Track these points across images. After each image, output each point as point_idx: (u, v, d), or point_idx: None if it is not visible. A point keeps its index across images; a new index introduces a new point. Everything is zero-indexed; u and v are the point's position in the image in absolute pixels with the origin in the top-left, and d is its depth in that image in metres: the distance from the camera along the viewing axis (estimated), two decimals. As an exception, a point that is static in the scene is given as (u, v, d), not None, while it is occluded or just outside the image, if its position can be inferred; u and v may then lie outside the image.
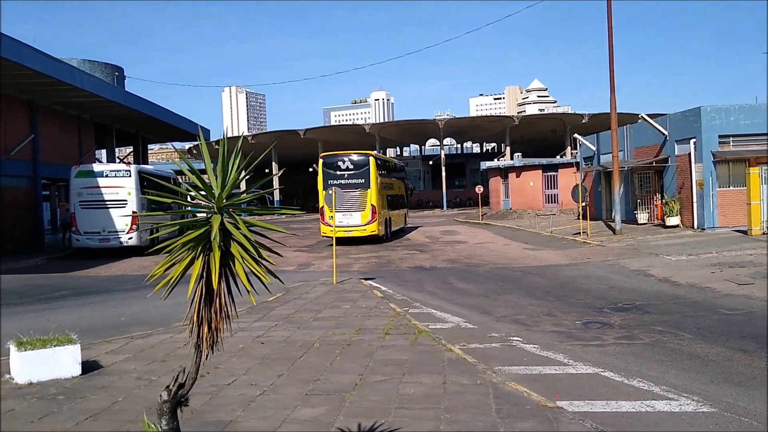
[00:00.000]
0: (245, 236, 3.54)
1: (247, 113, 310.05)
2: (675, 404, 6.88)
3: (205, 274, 3.69)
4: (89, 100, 32.27)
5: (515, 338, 10.34)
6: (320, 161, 29.40)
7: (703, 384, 7.60)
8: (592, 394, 7.36)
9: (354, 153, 29.71)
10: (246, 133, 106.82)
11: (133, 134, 46.14)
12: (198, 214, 3.53)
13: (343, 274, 19.31)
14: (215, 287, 3.56)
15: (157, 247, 3.94)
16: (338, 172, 28.38)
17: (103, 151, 47.31)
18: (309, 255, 25.92)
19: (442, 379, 7.41)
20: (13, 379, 7.66)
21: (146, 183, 30.07)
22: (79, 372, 7.81)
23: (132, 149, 49.64)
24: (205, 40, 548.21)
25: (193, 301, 3.82)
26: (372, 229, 27.96)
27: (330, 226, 24.59)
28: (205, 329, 3.60)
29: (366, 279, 17.79)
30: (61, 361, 7.68)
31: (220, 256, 3.56)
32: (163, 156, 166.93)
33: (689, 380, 7.77)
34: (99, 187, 26.92)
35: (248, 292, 3.71)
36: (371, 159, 28.57)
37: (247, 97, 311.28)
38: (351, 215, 27.50)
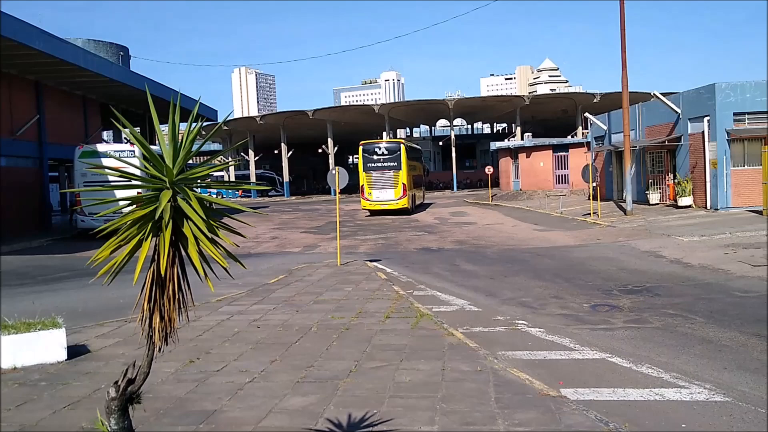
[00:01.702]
0: (199, 215, 3.16)
1: (257, 94, 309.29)
2: (686, 392, 6.54)
3: (155, 257, 3.34)
4: (94, 80, 31.99)
5: (520, 322, 10.00)
6: (360, 148, 35.20)
7: (715, 371, 7.23)
8: (598, 381, 7.03)
9: (387, 141, 37.13)
10: (256, 114, 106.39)
11: (140, 115, 45.88)
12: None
13: (349, 255, 19.04)
14: (163, 272, 3.20)
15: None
16: (375, 157, 34.28)
17: (111, 132, 47.14)
18: (316, 237, 25.66)
19: (441, 365, 7.09)
20: (-2, 364, 7.42)
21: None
22: (65, 357, 7.56)
23: (139, 130, 49.37)
24: (215, 20, 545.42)
25: (143, 287, 3.49)
26: (403, 203, 33.79)
27: (369, 200, 33.85)
28: (157, 319, 3.26)
29: (372, 261, 17.49)
30: (46, 346, 7.43)
31: (170, 237, 3.21)
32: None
33: (701, 366, 7.41)
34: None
35: (203, 277, 3.32)
36: (402, 146, 34.63)
37: (257, 78, 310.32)
38: (386, 192, 33.67)
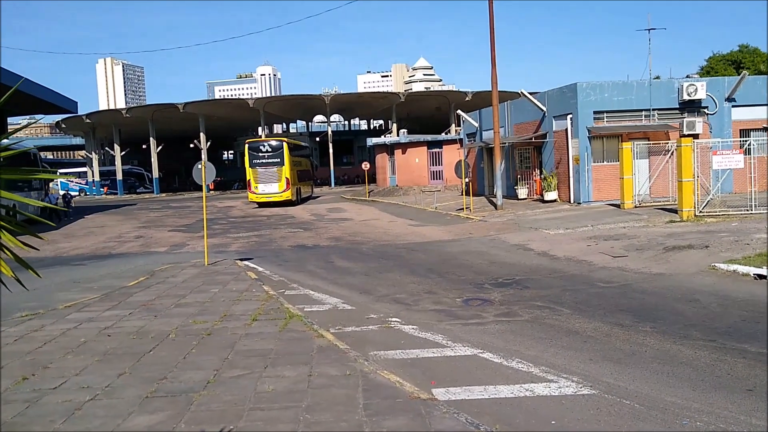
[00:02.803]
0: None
1: (125, 86, 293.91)
2: (554, 387, 6.49)
3: None
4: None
5: (394, 319, 9.75)
6: (246, 146, 38.55)
7: (582, 362, 7.29)
8: (470, 378, 6.86)
9: (272, 139, 40.27)
10: (122, 107, 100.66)
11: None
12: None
13: (220, 254, 18.19)
14: None
15: None
16: (260, 154, 37.38)
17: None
18: (185, 235, 24.43)
19: (308, 370, 6.64)
20: None
21: (-1, 158, 27.28)
22: None
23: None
24: (80, 8, 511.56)
25: None
26: (287, 195, 37.10)
27: (255, 194, 37.32)
28: None
29: (243, 259, 16.75)
30: None
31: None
32: (31, 131, 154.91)
33: (568, 358, 7.45)
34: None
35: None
36: (285, 144, 37.85)
37: (123, 70, 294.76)
38: (271, 185, 36.96)
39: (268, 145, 37.91)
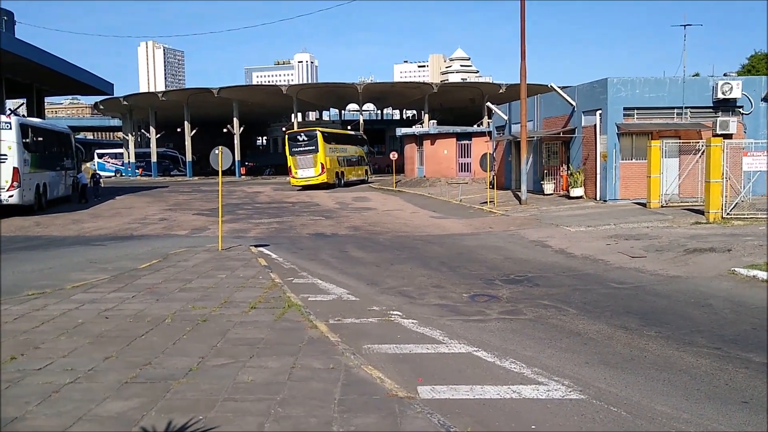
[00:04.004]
0: None
1: (165, 70, 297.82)
2: (543, 390, 6.31)
3: None
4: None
5: (395, 312, 9.64)
6: (286, 136, 43.91)
7: (577, 366, 7.08)
8: (459, 377, 6.72)
9: (307, 129, 44.71)
10: (160, 90, 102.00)
11: (27, 85, 42.64)
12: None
13: (237, 239, 18.29)
14: None
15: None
16: (297, 143, 41.91)
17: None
18: (208, 219, 24.60)
19: (292, 362, 6.57)
20: None
21: (33, 138, 27.80)
22: None
23: (25, 101, 45.96)
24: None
25: None
26: (322, 179, 41.26)
27: (295, 178, 42.05)
28: None
29: (259, 246, 16.80)
30: None
31: None
32: (72, 111, 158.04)
33: (564, 361, 7.26)
34: (-24, 140, 24.62)
35: None
36: (318, 133, 42.02)
37: (164, 53, 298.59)
38: (308, 170, 41.54)
39: (305, 134, 42.37)
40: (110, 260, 14.46)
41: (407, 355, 7.50)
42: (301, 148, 41.71)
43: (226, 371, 6.26)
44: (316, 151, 41.39)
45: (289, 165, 42.54)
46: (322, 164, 41.22)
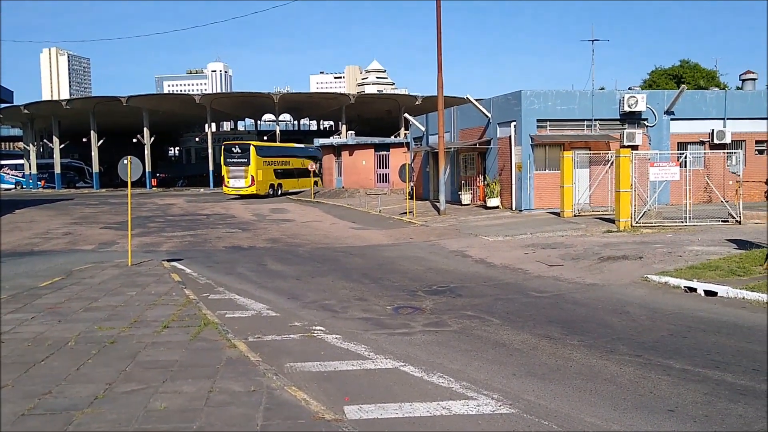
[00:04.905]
0: None
1: (69, 78, 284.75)
2: (473, 404, 6.16)
3: None
4: None
5: (318, 327, 9.32)
6: (222, 147, 45.75)
7: (505, 378, 6.99)
8: (387, 394, 6.47)
9: (241, 143, 46.35)
10: (64, 98, 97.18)
11: None
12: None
13: (149, 254, 17.44)
14: None
15: None
16: (231, 154, 43.78)
17: None
18: (116, 233, 23.43)
19: (209, 385, 6.14)
20: None
21: None
22: None
23: None
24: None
25: None
26: (251, 190, 43.22)
27: (227, 187, 44.02)
28: None
29: (171, 260, 16.05)
30: None
31: None
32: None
33: (492, 373, 7.15)
34: None
35: None
36: (252, 147, 44.27)
37: (69, 60, 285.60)
38: (239, 181, 43.46)
39: (239, 147, 44.59)
40: (7, 278, 13.41)
41: (332, 373, 7.20)
42: (235, 160, 43.64)
43: (136, 398, 5.77)
44: (248, 163, 43.32)
45: (223, 174, 44.83)
46: (252, 176, 43.12)
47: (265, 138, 72.70)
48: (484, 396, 6.39)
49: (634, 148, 23.46)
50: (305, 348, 8.26)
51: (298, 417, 5.38)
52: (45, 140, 73.07)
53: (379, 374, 7.19)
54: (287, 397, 5.89)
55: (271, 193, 45.03)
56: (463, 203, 28.97)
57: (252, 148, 43.97)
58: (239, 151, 44.08)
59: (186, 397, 5.81)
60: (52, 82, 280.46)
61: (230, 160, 43.91)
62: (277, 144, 52.03)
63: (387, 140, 45.93)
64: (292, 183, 47.98)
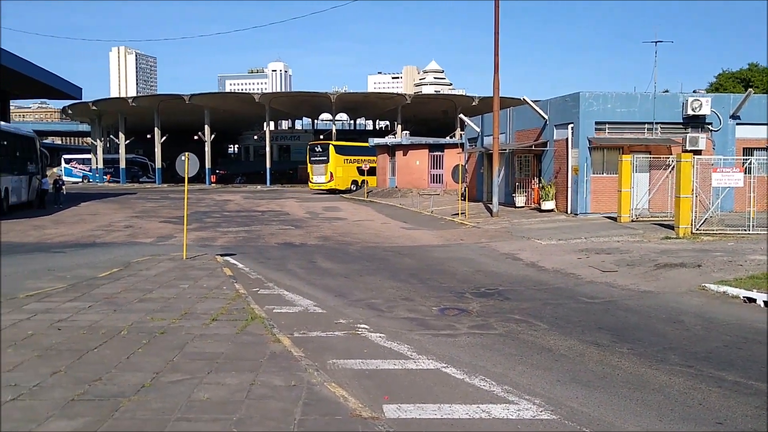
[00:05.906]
0: None
1: (137, 76, 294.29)
2: (513, 409, 6.08)
3: None
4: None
5: (362, 325, 9.36)
6: (308, 147, 52.50)
7: (548, 383, 6.87)
8: (427, 395, 6.45)
9: (322, 142, 52.41)
10: (130, 96, 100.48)
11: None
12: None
13: (204, 248, 17.87)
14: None
15: None
16: (315, 153, 49.77)
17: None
18: (174, 227, 24.06)
19: (252, 378, 6.24)
20: None
21: (-6, 141, 27.07)
22: None
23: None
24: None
25: None
26: (331, 185, 48.73)
27: (312, 183, 50.30)
28: None
29: (225, 255, 16.39)
30: None
31: None
32: (40, 116, 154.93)
33: (535, 378, 7.03)
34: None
35: None
36: (330, 146, 49.75)
37: (137, 59, 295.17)
38: (320, 177, 49.09)
39: (320, 146, 50.16)
40: (69, 268, 13.92)
41: (373, 371, 7.22)
42: (317, 158, 49.24)
43: (180, 388, 5.91)
44: (327, 161, 48.67)
45: (308, 171, 51.02)
46: (331, 173, 48.43)
47: (321, 137, 73.51)
48: (525, 401, 6.30)
49: (698, 153, 22.67)
50: (348, 345, 8.30)
51: (336, 413, 5.41)
52: (111, 136, 75.70)
53: (420, 374, 7.16)
54: (326, 393, 5.93)
55: (354, 189, 49.10)
56: (516, 206, 28.61)
57: (331, 147, 49.03)
58: (320, 149, 49.33)
59: (228, 389, 5.92)
60: (120, 80, 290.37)
61: (313, 158, 49.28)
62: (356, 144, 54.54)
63: (441, 141, 45.75)
64: (373, 180, 49.64)
